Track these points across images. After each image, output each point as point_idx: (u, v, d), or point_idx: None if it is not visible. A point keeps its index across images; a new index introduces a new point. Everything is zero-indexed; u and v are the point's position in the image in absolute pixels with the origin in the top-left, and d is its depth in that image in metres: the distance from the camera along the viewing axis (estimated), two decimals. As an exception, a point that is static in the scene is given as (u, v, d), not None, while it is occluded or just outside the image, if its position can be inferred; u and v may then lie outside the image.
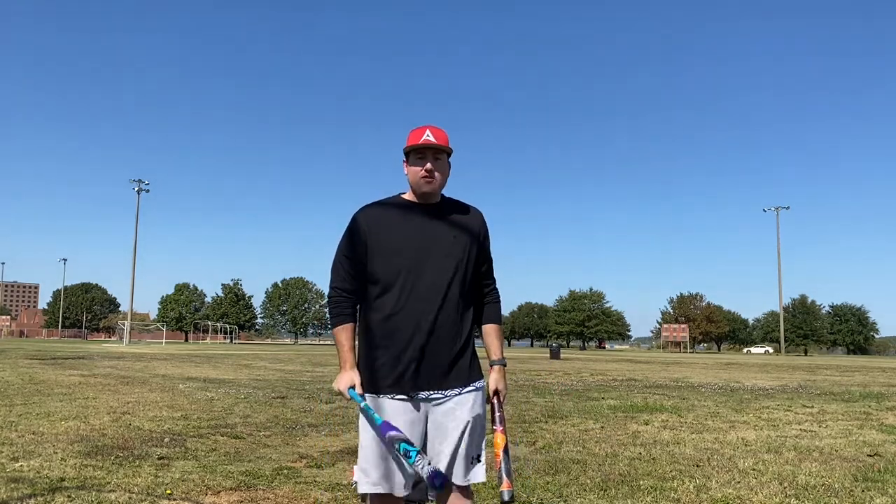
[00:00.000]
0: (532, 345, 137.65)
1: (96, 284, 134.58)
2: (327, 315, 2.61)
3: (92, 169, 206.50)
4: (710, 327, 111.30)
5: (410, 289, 2.35)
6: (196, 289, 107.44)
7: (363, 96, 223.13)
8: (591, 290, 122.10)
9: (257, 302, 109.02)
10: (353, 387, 2.35)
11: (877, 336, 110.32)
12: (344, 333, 2.43)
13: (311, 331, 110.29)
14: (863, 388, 15.56)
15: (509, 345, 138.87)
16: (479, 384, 2.44)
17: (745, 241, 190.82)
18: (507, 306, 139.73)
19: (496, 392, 2.47)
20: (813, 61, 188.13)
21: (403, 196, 2.50)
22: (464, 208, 2.54)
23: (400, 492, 2.34)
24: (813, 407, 10.51)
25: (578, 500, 4.32)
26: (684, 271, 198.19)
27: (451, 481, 2.37)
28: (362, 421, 2.38)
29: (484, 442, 2.43)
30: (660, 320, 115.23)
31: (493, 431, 2.37)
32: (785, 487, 4.75)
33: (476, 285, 2.52)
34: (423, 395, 2.36)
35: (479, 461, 2.40)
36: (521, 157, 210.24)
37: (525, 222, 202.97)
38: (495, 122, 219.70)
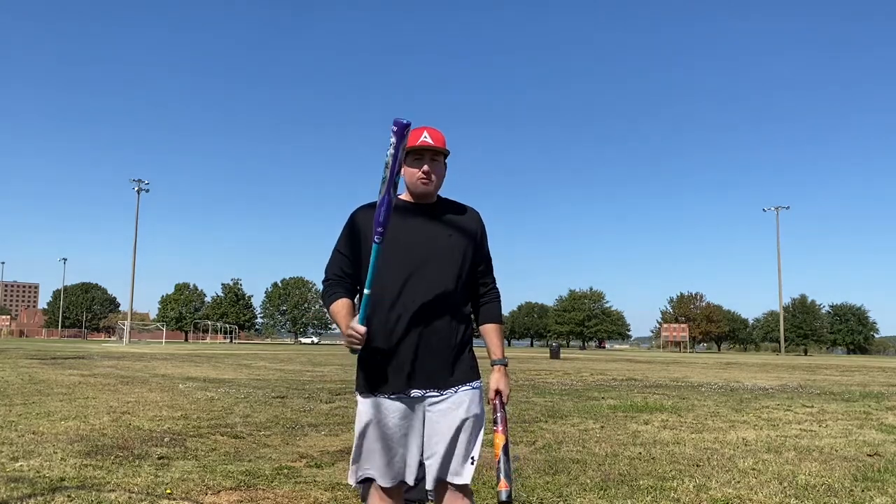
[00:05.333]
0: (532, 344, 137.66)
1: (96, 284, 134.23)
2: (322, 306, 2.53)
3: (92, 169, 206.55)
4: (710, 327, 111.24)
5: (407, 288, 2.36)
6: (196, 289, 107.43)
7: (363, 97, 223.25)
8: (591, 289, 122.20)
9: (257, 302, 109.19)
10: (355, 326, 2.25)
11: (877, 336, 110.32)
12: (337, 306, 2.40)
13: (311, 330, 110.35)
14: (863, 387, 15.57)
15: (509, 344, 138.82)
16: (476, 384, 2.44)
17: (745, 240, 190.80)
18: (507, 306, 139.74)
19: (497, 392, 2.46)
20: (813, 60, 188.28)
21: (400, 197, 2.51)
22: (460, 208, 2.56)
23: (387, 482, 2.36)
24: (813, 406, 10.51)
25: (578, 499, 4.32)
26: (684, 271, 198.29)
27: (447, 480, 2.38)
28: (357, 416, 2.41)
29: (480, 443, 2.42)
30: (660, 320, 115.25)
31: (493, 432, 2.37)
32: (785, 487, 4.75)
33: (473, 285, 2.53)
34: (419, 393, 2.37)
35: (473, 463, 2.40)
36: (521, 157, 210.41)
37: (525, 222, 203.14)
38: (495, 121, 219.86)
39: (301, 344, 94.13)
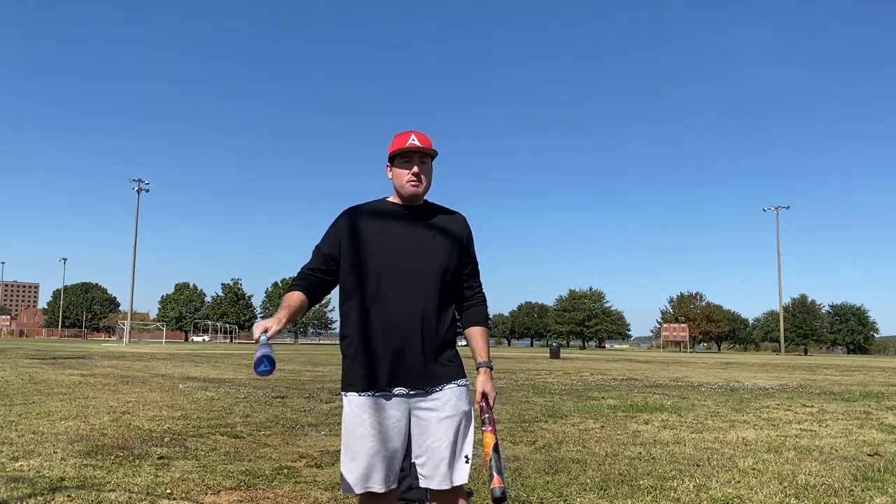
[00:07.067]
0: (532, 344, 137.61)
1: (96, 284, 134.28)
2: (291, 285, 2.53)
3: (92, 168, 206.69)
4: (710, 327, 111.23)
5: (393, 289, 2.38)
6: (196, 288, 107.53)
7: (364, 97, 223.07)
8: (591, 289, 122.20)
9: (257, 302, 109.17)
10: (266, 331, 2.21)
11: (877, 336, 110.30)
12: (290, 297, 2.40)
13: (311, 330, 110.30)
14: (863, 387, 15.57)
15: (509, 344, 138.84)
16: (462, 382, 2.46)
17: (745, 241, 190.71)
18: (507, 306, 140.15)
19: (484, 395, 2.48)
20: (813, 61, 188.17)
21: (388, 199, 2.55)
22: (447, 212, 2.59)
23: (380, 487, 2.33)
24: (813, 406, 10.51)
25: (578, 499, 4.31)
26: (684, 271, 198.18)
27: (445, 482, 2.36)
28: (344, 416, 2.41)
29: (472, 441, 2.43)
30: (660, 320, 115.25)
31: (483, 432, 2.37)
32: (785, 487, 4.75)
33: (459, 287, 2.56)
34: (405, 392, 2.38)
35: (468, 461, 2.40)
36: (522, 158, 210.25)
37: (525, 222, 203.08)
38: (495, 122, 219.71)
39: (192, 342, 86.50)
